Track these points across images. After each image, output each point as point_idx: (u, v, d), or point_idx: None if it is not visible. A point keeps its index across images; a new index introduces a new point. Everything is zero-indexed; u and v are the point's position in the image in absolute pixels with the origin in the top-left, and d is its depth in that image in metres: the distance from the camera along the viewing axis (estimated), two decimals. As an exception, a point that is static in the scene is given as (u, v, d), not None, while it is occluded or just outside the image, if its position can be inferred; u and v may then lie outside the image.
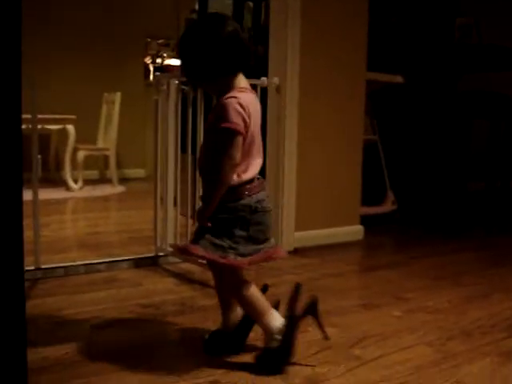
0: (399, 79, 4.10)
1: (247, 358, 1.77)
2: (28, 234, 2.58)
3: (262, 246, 1.71)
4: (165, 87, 2.89)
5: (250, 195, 1.67)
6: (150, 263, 2.85)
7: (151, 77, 6.70)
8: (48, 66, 5.89)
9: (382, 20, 4.38)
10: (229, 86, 1.68)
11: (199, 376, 1.65)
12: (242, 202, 1.67)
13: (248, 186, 1.68)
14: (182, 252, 1.75)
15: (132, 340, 1.92)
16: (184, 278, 2.67)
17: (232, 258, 1.65)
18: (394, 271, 2.92)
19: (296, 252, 3.25)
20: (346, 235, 3.55)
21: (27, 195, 2.60)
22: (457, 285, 2.68)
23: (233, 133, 1.61)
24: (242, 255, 1.66)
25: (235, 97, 1.62)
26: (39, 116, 4.95)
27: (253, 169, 1.70)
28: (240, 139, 1.63)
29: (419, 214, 4.48)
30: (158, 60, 6.81)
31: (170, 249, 2.87)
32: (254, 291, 1.74)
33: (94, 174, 6.28)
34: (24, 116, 2.64)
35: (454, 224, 4.34)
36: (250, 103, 1.66)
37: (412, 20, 4.58)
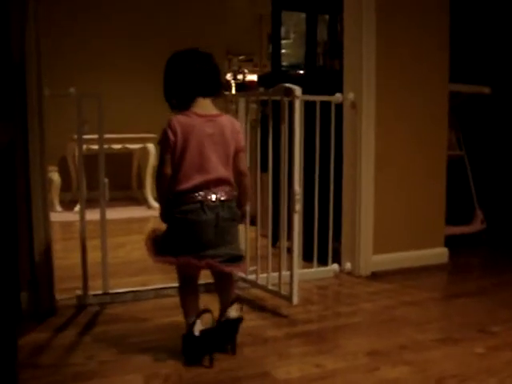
0: (486, 90, 3.84)
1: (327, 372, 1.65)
2: (98, 256, 2.60)
3: (198, 253, 1.91)
4: (234, 106, 2.83)
5: (179, 205, 1.91)
6: (220, 288, 2.77)
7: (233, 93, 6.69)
8: (126, 86, 6.02)
9: (464, 29, 4.13)
10: (184, 109, 1.95)
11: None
12: (174, 209, 1.93)
13: (180, 197, 1.91)
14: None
15: (192, 375, 1.85)
16: (254, 305, 2.59)
17: (160, 256, 1.95)
18: (479, 299, 2.70)
19: (374, 276, 3.09)
20: (428, 258, 3.34)
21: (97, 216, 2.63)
22: (551, 317, 2.44)
23: (160, 149, 1.93)
24: (167, 254, 1.93)
25: (171, 119, 1.91)
26: (120, 136, 5.16)
27: (185, 183, 1.90)
28: (165, 156, 1.91)
29: (510, 235, 4.17)
30: (239, 76, 6.80)
31: (242, 274, 2.78)
32: (187, 294, 2.04)
33: (175, 191, 6.33)
34: (94, 136, 2.70)
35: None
36: (186, 124, 1.90)
37: (496, 26, 4.30)
